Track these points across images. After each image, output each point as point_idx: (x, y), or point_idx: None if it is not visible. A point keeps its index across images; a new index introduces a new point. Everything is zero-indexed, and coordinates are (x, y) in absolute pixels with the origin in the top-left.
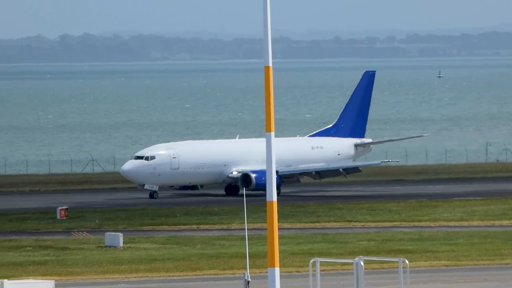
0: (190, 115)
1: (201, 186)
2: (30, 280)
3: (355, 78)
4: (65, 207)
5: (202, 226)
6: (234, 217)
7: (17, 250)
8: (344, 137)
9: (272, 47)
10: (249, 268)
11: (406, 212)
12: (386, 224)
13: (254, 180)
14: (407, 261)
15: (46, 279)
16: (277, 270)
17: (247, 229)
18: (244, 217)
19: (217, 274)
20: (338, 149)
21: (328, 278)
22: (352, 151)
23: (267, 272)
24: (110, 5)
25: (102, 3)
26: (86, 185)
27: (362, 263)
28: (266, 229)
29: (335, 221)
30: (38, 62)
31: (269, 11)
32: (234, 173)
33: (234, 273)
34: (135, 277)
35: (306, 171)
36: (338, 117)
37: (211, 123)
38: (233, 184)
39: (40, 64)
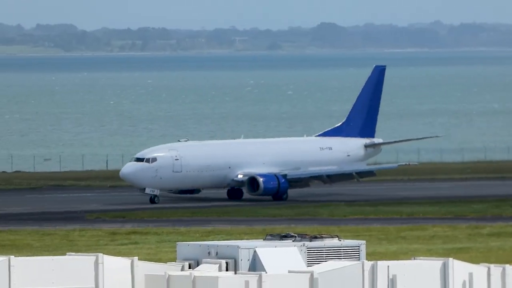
0: None
1: (200, 190)
2: None
3: None
4: None
5: None
6: None
7: None
8: (353, 136)
9: None
10: None
11: None
12: None
13: (262, 184)
14: None
15: None
16: None
17: None
18: None
19: None
20: (348, 150)
21: None
22: (362, 152)
23: None
24: None
25: None
26: None
27: None
28: None
29: None
30: None
31: None
32: (240, 176)
33: None
34: None
35: (317, 174)
36: (347, 115)
37: None
38: (236, 187)
39: None
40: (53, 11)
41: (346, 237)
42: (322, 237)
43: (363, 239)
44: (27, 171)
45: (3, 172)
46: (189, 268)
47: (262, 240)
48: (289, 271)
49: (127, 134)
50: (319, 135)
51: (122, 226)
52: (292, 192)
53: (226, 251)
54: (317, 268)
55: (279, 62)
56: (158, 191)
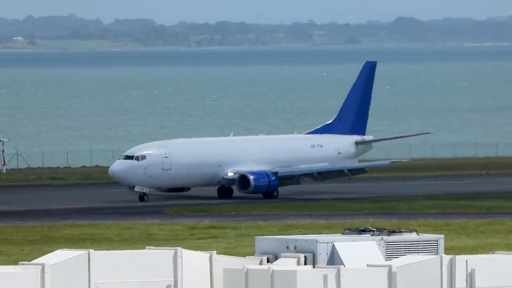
0: None
1: (190, 188)
2: None
3: None
4: None
5: None
6: None
7: None
8: (344, 134)
9: None
10: None
11: None
12: None
13: (252, 182)
14: None
15: None
16: None
17: None
18: None
19: None
20: (339, 147)
21: None
22: (353, 149)
23: None
24: None
25: None
26: None
27: None
28: None
29: None
30: None
31: None
32: (230, 174)
33: None
34: None
35: (308, 172)
36: (338, 112)
37: None
38: (226, 186)
39: None
40: (131, 6)
41: (425, 231)
42: (400, 231)
43: (442, 234)
44: (107, 165)
45: (83, 166)
46: (268, 262)
47: (340, 234)
48: (367, 265)
49: (211, 128)
50: (310, 133)
51: (201, 221)
52: (283, 190)
53: (304, 245)
54: (395, 262)
55: (357, 56)
56: (147, 189)
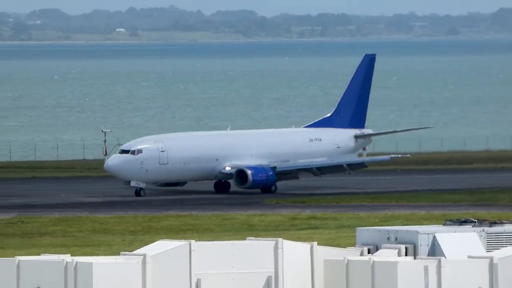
0: None
1: (186, 182)
2: None
3: None
4: None
5: None
6: None
7: None
8: (343, 127)
9: None
10: None
11: None
12: None
13: (250, 177)
14: None
15: None
16: None
17: None
18: None
19: None
20: (338, 141)
21: None
22: (352, 143)
23: None
24: None
25: None
26: None
27: None
28: None
29: None
30: None
31: None
32: (227, 168)
33: None
34: None
35: (307, 166)
36: (337, 105)
37: None
38: (223, 180)
39: None
40: None
41: None
42: (502, 223)
43: None
44: None
45: None
46: (368, 253)
47: (441, 225)
48: (469, 257)
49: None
50: (308, 126)
51: (301, 211)
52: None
53: (405, 236)
54: (497, 254)
55: (459, 47)
56: (144, 184)
